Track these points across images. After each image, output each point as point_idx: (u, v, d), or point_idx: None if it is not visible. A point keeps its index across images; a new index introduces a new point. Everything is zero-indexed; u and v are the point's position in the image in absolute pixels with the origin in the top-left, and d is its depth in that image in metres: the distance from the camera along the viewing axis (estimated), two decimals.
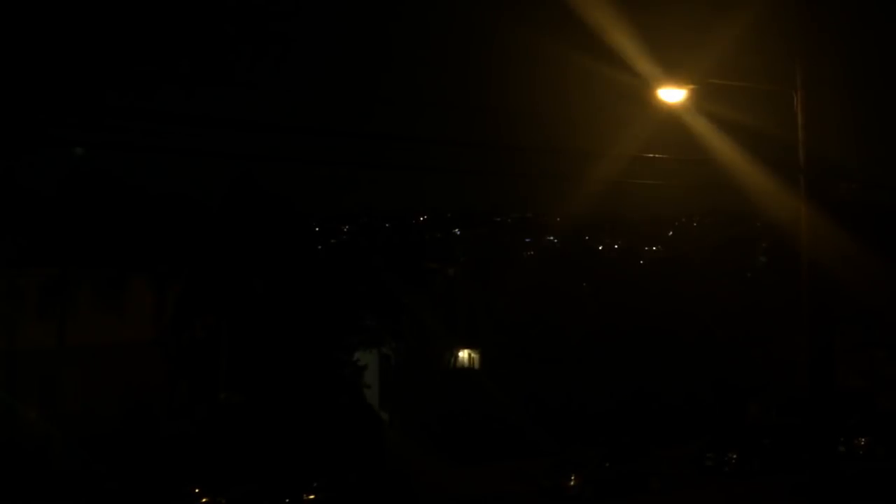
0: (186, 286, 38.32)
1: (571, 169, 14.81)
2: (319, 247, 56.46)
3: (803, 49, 14.62)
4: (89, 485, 31.68)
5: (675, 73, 14.74)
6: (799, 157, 14.69)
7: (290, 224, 42.72)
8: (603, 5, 19.46)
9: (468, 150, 12.68)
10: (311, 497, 30.86)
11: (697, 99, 14.85)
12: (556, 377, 44.22)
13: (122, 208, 39.00)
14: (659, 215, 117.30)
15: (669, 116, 15.22)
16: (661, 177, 15.37)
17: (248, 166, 38.71)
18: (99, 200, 38.71)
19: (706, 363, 45.83)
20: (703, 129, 15.15)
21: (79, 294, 37.19)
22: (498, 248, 74.69)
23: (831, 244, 14.54)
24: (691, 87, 14.67)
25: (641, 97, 15.10)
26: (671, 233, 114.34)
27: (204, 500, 29.98)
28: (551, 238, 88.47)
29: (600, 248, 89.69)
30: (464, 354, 50.30)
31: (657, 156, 14.86)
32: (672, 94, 14.69)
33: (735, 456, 36.45)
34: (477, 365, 50.05)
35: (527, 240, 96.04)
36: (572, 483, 33.45)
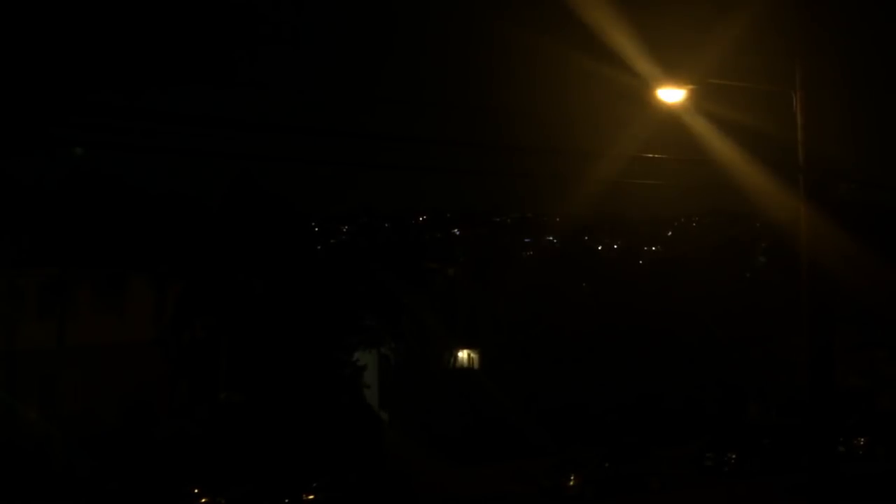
0: (186, 286, 38.34)
1: (571, 169, 14.80)
2: (319, 247, 56.51)
3: (803, 49, 14.62)
4: (89, 485, 31.70)
5: (674, 73, 14.73)
6: (798, 158, 14.69)
7: (289, 224, 42.74)
8: (602, 5, 19.47)
9: (468, 150, 12.66)
10: (311, 497, 30.87)
11: (697, 99, 14.84)
12: (556, 377, 44.21)
13: (122, 208, 39.02)
14: (658, 215, 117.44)
15: (669, 117, 15.21)
16: (660, 177, 15.36)
17: (247, 166, 38.74)
18: (99, 200, 38.72)
19: (706, 363, 45.84)
20: (703, 129, 15.14)
21: (79, 294, 37.22)
22: (498, 249, 74.70)
23: (831, 244, 14.53)
24: (691, 87, 14.66)
25: (641, 97, 15.10)
26: (671, 233, 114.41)
27: (203, 500, 30.00)
28: (551, 238, 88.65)
29: (600, 248, 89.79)
30: (463, 354, 50.28)
31: (656, 156, 14.84)
32: (671, 95, 14.68)
33: (734, 456, 36.46)
34: (476, 365, 50.04)
35: (526, 240, 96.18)
36: (572, 483, 33.48)
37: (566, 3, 20.88)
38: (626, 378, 44.26)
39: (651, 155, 14.87)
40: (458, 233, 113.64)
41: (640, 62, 15.41)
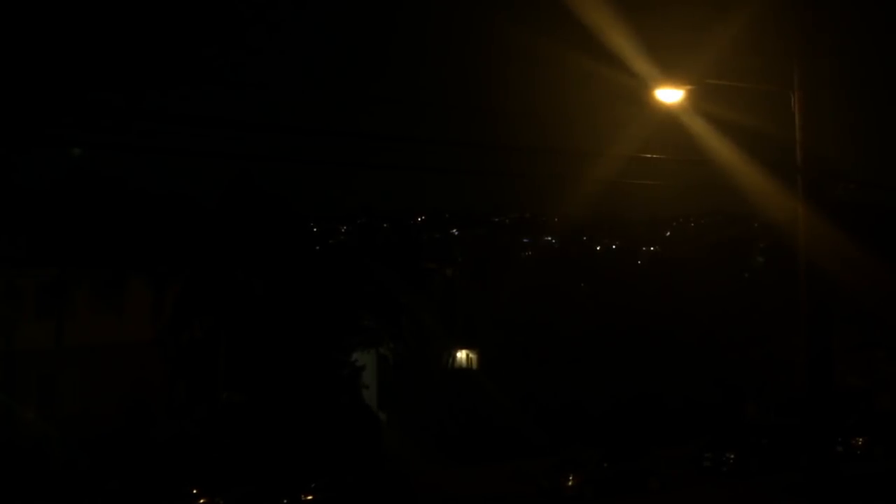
0: (185, 286, 38.35)
1: (570, 169, 14.83)
2: (318, 247, 56.49)
3: (801, 49, 14.64)
4: (89, 485, 31.69)
5: (672, 74, 14.76)
6: (797, 158, 14.70)
7: (288, 224, 42.78)
8: (601, 5, 19.50)
9: (467, 150, 12.69)
10: (310, 498, 30.85)
11: (695, 99, 14.87)
12: (555, 377, 44.23)
13: (121, 208, 39.01)
14: (657, 216, 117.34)
15: (667, 117, 15.23)
16: (659, 177, 15.39)
17: (246, 166, 38.76)
18: (98, 201, 38.71)
19: (704, 363, 45.86)
20: (701, 129, 15.17)
21: (78, 294, 37.20)
22: (496, 249, 74.58)
23: (829, 244, 14.55)
24: (689, 87, 14.69)
25: (639, 97, 15.12)
26: (669, 233, 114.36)
27: (202, 500, 29.99)
28: (549, 238, 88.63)
29: (598, 248, 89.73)
30: (462, 355, 50.31)
31: (655, 156, 14.87)
32: (670, 95, 14.70)
33: (733, 456, 36.45)
34: (475, 365, 50.08)
35: (525, 240, 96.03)
36: (571, 483, 33.46)
37: (565, 3, 20.92)
38: (625, 378, 44.28)
39: (649, 155, 14.90)
40: (456, 233, 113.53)
41: (639, 62, 15.43)
